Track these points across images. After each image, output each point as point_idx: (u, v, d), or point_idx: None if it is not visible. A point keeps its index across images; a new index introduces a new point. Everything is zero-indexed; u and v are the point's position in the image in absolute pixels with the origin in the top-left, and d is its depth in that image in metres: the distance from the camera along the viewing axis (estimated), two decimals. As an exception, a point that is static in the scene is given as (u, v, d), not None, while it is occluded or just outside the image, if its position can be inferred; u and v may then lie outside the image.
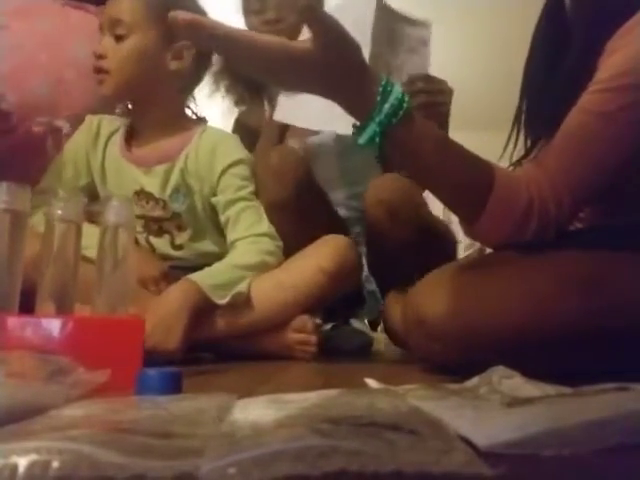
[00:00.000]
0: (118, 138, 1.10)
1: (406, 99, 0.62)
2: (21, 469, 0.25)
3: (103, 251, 0.64)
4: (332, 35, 0.59)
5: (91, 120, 1.12)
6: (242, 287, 0.94)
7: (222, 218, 1.06)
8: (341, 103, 0.64)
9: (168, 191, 1.05)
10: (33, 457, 0.25)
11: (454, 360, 0.73)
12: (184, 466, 0.26)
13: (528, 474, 0.31)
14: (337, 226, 1.18)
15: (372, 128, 0.61)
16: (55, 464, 0.25)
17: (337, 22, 0.59)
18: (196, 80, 1.14)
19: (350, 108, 0.64)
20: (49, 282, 0.62)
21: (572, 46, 0.77)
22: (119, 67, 1.00)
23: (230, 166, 1.06)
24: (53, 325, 0.57)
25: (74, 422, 0.34)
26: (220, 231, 1.08)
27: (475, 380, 0.53)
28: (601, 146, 0.68)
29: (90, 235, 0.70)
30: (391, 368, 0.97)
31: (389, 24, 0.87)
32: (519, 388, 0.47)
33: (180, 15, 0.54)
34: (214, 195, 1.06)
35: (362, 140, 0.62)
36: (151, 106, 1.07)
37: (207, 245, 1.08)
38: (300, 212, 1.08)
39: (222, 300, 0.92)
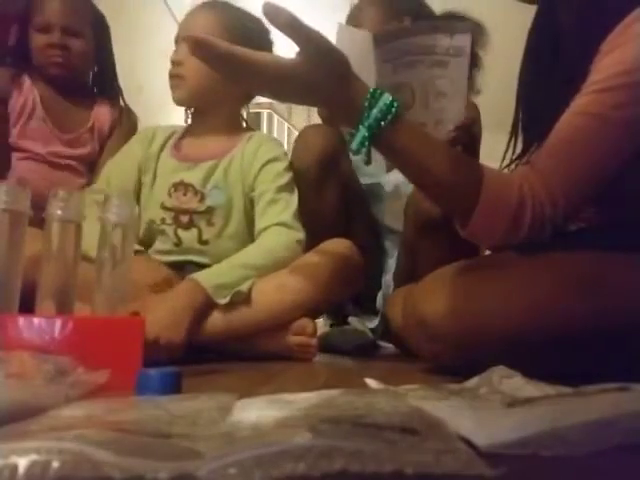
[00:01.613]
0: (171, 141, 1.16)
1: (395, 104, 0.65)
2: (21, 469, 0.25)
3: (103, 250, 0.64)
4: (316, 47, 0.63)
5: (146, 131, 1.19)
6: (243, 287, 0.94)
7: (255, 210, 1.09)
8: (333, 112, 0.70)
9: (209, 186, 1.09)
10: (33, 457, 0.25)
11: (454, 360, 0.73)
12: (184, 466, 0.26)
13: (528, 474, 0.31)
14: (356, 215, 1.22)
15: (361, 133, 0.65)
16: (55, 464, 0.25)
17: (321, 35, 0.63)
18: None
19: (342, 117, 0.69)
20: (49, 282, 0.62)
21: (565, 49, 0.77)
22: (194, 74, 1.08)
23: (267, 162, 1.10)
24: (53, 325, 0.57)
25: (74, 422, 0.34)
26: (253, 233, 1.10)
27: (475, 380, 0.53)
28: (597, 148, 0.68)
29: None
30: (391, 368, 0.97)
31: (398, 42, 0.82)
32: (519, 388, 0.47)
33: (194, 35, 0.64)
34: (253, 190, 1.10)
35: (354, 145, 0.66)
36: (212, 111, 1.14)
37: (235, 247, 1.07)
38: (316, 181, 1.14)
39: (223, 300, 0.92)
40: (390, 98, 0.65)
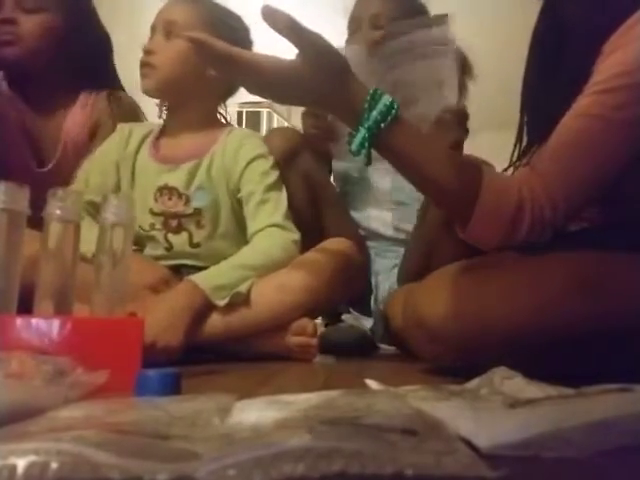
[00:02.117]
0: (149, 141, 1.14)
1: (395, 106, 0.65)
2: (20, 470, 0.24)
3: (101, 250, 0.64)
4: (316, 50, 0.63)
5: (122, 129, 1.16)
6: (242, 288, 0.94)
7: (245, 211, 1.08)
8: (333, 113, 0.70)
9: (193, 187, 1.08)
10: (32, 458, 0.25)
11: (455, 361, 0.73)
12: (183, 468, 0.25)
13: (529, 476, 0.31)
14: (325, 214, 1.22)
15: (361, 134, 0.65)
16: (54, 465, 0.25)
17: (320, 37, 0.64)
18: (232, 89, 1.19)
19: (342, 117, 0.68)
20: (47, 282, 0.62)
21: (569, 49, 0.77)
22: (165, 64, 1.06)
23: (252, 160, 1.09)
24: (52, 325, 0.57)
25: (73, 423, 0.34)
26: (244, 231, 1.09)
27: (476, 381, 0.53)
28: (599, 149, 0.68)
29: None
30: (391, 368, 0.97)
31: (386, 46, 0.91)
32: (521, 389, 0.47)
33: (194, 34, 0.65)
34: (239, 191, 1.09)
35: (353, 147, 0.65)
36: (185, 106, 1.12)
37: (227, 247, 1.07)
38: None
39: (222, 301, 0.92)
40: (390, 99, 0.65)
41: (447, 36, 0.88)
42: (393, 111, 0.65)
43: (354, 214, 1.30)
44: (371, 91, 0.65)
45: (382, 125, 0.64)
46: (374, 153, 0.67)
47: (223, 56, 0.64)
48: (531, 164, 0.73)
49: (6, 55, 1.15)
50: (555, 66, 0.80)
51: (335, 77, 0.65)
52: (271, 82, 0.65)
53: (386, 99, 0.65)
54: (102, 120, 1.26)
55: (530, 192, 0.68)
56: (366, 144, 0.65)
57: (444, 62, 0.89)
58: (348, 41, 1.20)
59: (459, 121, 0.98)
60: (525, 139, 0.85)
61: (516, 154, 0.85)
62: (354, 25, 1.20)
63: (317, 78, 0.64)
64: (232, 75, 0.68)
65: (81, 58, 1.25)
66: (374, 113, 0.64)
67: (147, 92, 1.10)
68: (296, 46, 0.63)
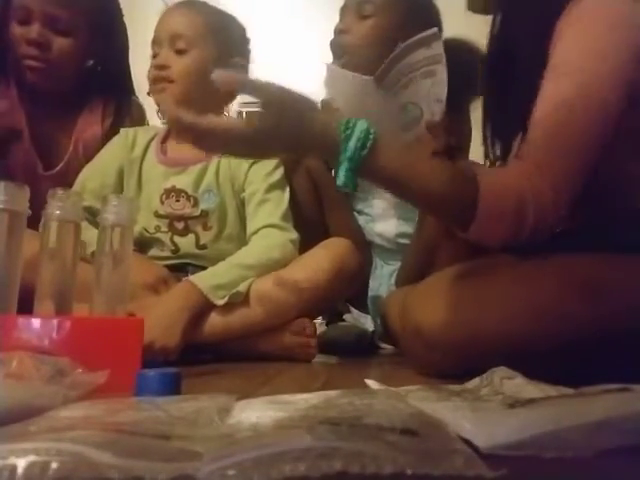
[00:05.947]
0: (154, 144, 1.14)
1: (372, 130, 0.62)
2: (20, 470, 0.25)
3: (102, 250, 0.64)
4: (274, 97, 0.62)
5: (127, 133, 1.15)
6: (241, 287, 0.94)
7: (246, 212, 1.09)
8: (313, 154, 0.68)
9: (201, 189, 1.08)
10: (32, 458, 0.25)
11: (453, 368, 0.72)
12: (183, 468, 0.25)
13: (529, 476, 0.31)
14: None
15: (345, 167, 0.62)
16: (54, 465, 0.25)
17: (274, 84, 0.62)
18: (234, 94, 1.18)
19: (321, 155, 0.69)
20: (47, 282, 0.62)
21: (522, 57, 0.77)
22: (183, 76, 1.06)
23: (256, 161, 1.09)
24: (52, 325, 0.57)
25: (73, 423, 0.34)
26: None
27: (476, 381, 0.53)
28: (573, 134, 0.68)
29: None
30: (391, 369, 0.97)
31: (392, 71, 0.94)
32: (521, 389, 0.47)
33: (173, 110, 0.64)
34: (243, 191, 1.09)
35: (340, 182, 0.63)
36: (197, 113, 1.10)
37: (233, 248, 1.07)
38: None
39: (221, 301, 0.92)
40: (366, 124, 0.62)
41: (440, 53, 0.92)
42: (371, 135, 0.62)
43: (359, 219, 1.31)
44: (343, 121, 0.62)
45: (363, 153, 0.61)
46: None
47: (191, 128, 0.63)
48: (519, 156, 0.72)
49: (32, 80, 1.12)
50: (510, 73, 0.79)
51: (300, 117, 0.62)
52: (241, 142, 0.63)
53: (361, 124, 0.62)
54: (117, 125, 1.21)
55: (528, 181, 0.66)
56: (352, 176, 0.62)
57: (439, 78, 0.93)
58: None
59: (445, 127, 1.00)
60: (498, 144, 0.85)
61: (489, 159, 0.86)
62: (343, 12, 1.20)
63: (284, 124, 0.62)
64: (206, 146, 0.67)
65: (101, 69, 1.24)
66: (351, 143, 0.61)
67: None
68: (256, 99, 0.62)
